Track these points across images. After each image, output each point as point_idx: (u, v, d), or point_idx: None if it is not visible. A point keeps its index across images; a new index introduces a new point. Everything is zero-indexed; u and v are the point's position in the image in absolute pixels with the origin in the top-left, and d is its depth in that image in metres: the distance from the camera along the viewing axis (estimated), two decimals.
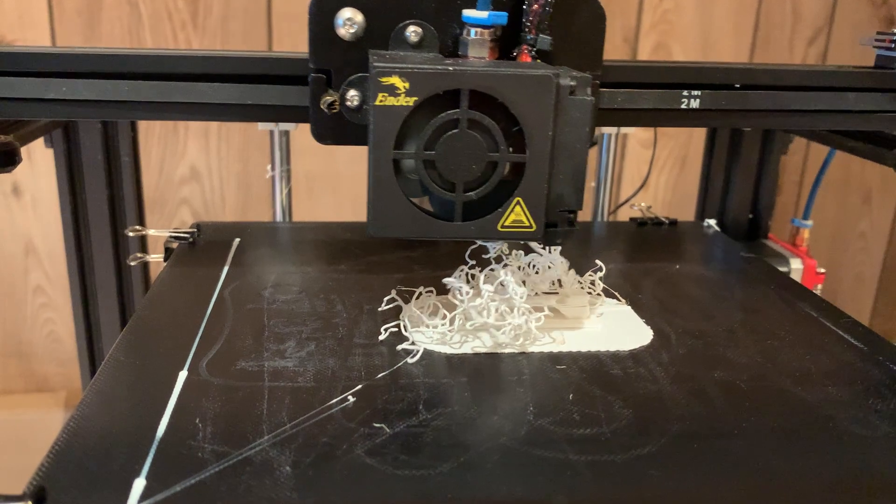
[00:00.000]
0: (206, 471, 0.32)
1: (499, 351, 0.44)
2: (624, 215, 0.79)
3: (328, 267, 0.56)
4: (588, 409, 0.38)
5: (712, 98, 0.47)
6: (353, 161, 0.96)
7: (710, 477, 0.33)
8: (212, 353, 0.42)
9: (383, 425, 0.36)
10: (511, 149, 0.39)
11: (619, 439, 0.36)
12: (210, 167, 0.96)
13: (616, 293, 0.52)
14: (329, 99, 0.42)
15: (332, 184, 0.98)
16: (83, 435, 0.34)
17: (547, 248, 0.48)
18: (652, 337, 0.46)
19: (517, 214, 0.40)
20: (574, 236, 0.41)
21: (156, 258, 0.62)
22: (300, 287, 0.52)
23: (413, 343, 0.44)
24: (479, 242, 0.47)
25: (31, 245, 0.95)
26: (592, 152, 0.69)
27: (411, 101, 0.37)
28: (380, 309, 0.48)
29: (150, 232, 0.62)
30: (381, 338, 0.45)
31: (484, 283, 0.45)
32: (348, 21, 0.41)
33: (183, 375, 0.40)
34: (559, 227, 0.41)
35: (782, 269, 0.68)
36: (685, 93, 0.47)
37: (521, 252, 0.49)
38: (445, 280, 0.47)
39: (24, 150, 0.90)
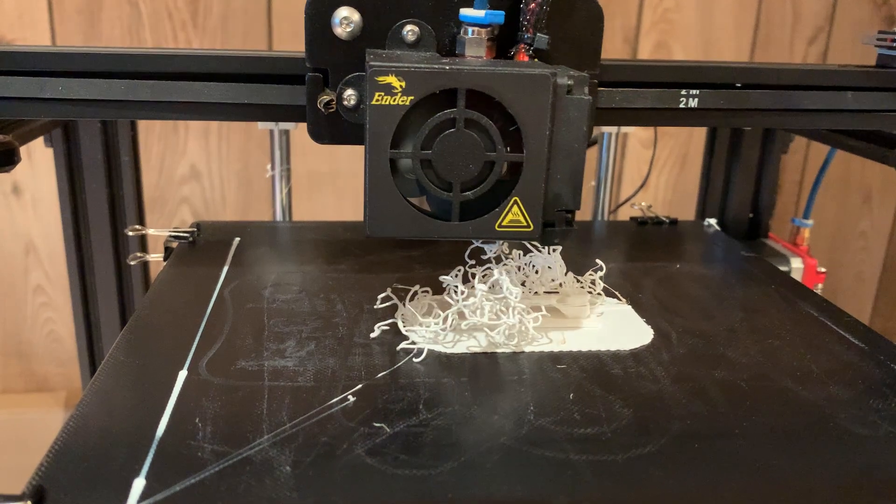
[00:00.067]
0: (206, 470, 0.32)
1: (496, 350, 0.44)
2: (624, 214, 0.79)
3: (328, 266, 0.56)
4: (588, 409, 0.38)
5: (711, 97, 0.47)
6: (353, 160, 0.96)
7: (711, 476, 0.33)
8: (212, 353, 0.42)
9: (383, 425, 0.36)
10: (508, 148, 0.39)
11: (620, 439, 0.36)
12: (210, 166, 0.96)
13: (616, 292, 0.52)
14: (326, 98, 0.42)
15: (333, 183, 0.98)
16: (83, 435, 0.34)
17: (546, 248, 0.48)
18: (652, 336, 0.46)
19: (514, 214, 0.39)
20: (572, 236, 0.41)
21: (156, 258, 0.62)
22: (300, 286, 0.52)
23: (413, 342, 0.44)
24: (477, 243, 0.47)
25: (31, 244, 0.95)
26: (592, 151, 0.69)
27: (408, 100, 0.37)
28: (376, 307, 0.48)
29: (150, 231, 0.62)
30: (373, 335, 0.45)
31: (479, 282, 0.45)
32: (345, 20, 0.40)
33: (183, 375, 0.40)
34: (557, 226, 0.41)
35: (783, 268, 0.68)
36: (684, 92, 0.47)
37: (521, 252, 0.49)
38: (442, 278, 0.47)
39: (23, 150, 0.90)
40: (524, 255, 0.49)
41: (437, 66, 0.37)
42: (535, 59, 0.41)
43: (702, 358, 0.44)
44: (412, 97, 0.37)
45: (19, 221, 0.94)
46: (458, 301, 0.44)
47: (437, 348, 0.44)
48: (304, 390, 0.39)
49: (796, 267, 0.69)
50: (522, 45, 0.41)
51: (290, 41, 0.92)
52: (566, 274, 0.49)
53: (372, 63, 0.37)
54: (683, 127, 0.78)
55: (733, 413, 0.38)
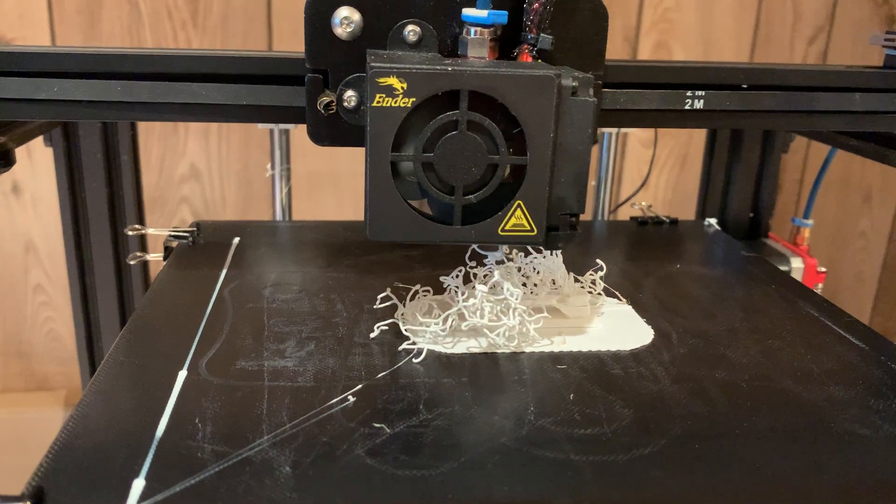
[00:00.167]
0: (206, 471, 0.32)
1: (497, 351, 0.44)
2: (624, 214, 0.79)
3: (328, 266, 0.56)
4: (589, 409, 0.38)
5: (717, 98, 0.46)
6: (354, 160, 0.96)
7: (712, 477, 0.33)
8: (211, 353, 0.42)
9: (383, 425, 0.36)
10: (511, 151, 0.38)
11: (621, 439, 0.36)
12: (210, 166, 0.96)
13: (617, 293, 0.52)
14: (326, 99, 0.41)
15: (334, 182, 0.98)
16: (82, 435, 0.34)
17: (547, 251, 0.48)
18: (653, 336, 0.46)
19: (518, 218, 0.39)
20: (576, 240, 0.40)
21: (155, 257, 0.62)
22: (300, 286, 0.52)
23: (414, 343, 0.44)
24: (477, 249, 0.47)
25: (30, 244, 0.95)
26: (592, 151, 0.68)
27: (409, 102, 0.36)
28: (376, 307, 0.48)
29: (150, 231, 0.62)
30: (373, 335, 0.45)
31: (480, 283, 0.45)
32: (345, 20, 0.40)
33: (182, 375, 0.40)
34: (561, 230, 0.40)
35: (783, 268, 0.68)
36: (689, 93, 0.46)
37: (521, 253, 0.49)
38: (443, 279, 0.47)
39: (23, 149, 0.90)
40: (525, 256, 0.49)
41: (439, 68, 0.36)
42: (539, 60, 0.41)
43: (702, 358, 0.44)
44: (414, 99, 0.36)
45: (19, 221, 0.94)
46: (458, 302, 0.44)
47: (438, 349, 0.44)
48: (303, 390, 0.39)
49: (796, 267, 0.69)
50: (526, 46, 0.40)
51: (291, 41, 0.92)
52: (567, 274, 0.49)
53: (373, 64, 0.36)
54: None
55: (734, 413, 0.38)
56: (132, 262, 0.64)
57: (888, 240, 1.16)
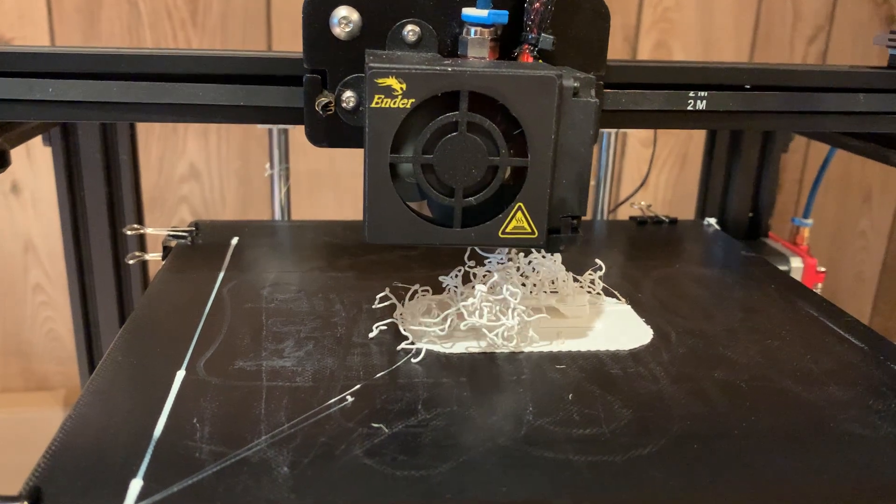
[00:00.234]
0: (204, 471, 0.32)
1: (496, 351, 0.44)
2: (624, 214, 0.79)
3: (327, 266, 0.56)
4: (588, 409, 0.38)
5: (720, 99, 0.46)
6: (354, 159, 0.96)
7: (711, 477, 0.33)
8: (210, 353, 0.42)
9: (382, 425, 0.36)
10: (512, 152, 0.38)
11: (619, 439, 0.36)
12: (210, 165, 0.96)
13: (616, 292, 0.52)
14: (324, 100, 0.41)
15: (334, 181, 0.98)
16: (80, 435, 0.34)
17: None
18: (652, 336, 0.46)
19: (518, 220, 0.39)
20: (577, 242, 0.40)
21: (154, 257, 0.62)
22: (299, 286, 0.52)
23: (412, 342, 0.44)
24: (479, 251, 0.47)
25: (30, 243, 0.95)
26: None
27: (408, 102, 0.36)
28: (374, 307, 0.48)
29: (149, 231, 0.62)
30: (372, 335, 0.45)
31: (479, 283, 0.45)
32: (344, 20, 0.39)
33: (181, 375, 0.39)
34: (562, 232, 0.40)
35: (782, 267, 0.68)
36: (692, 94, 0.46)
37: (521, 254, 0.49)
38: (442, 279, 0.47)
39: (22, 148, 0.90)
40: (524, 256, 0.49)
41: (438, 68, 0.36)
42: (540, 60, 0.40)
43: (701, 358, 0.44)
44: (413, 100, 0.36)
45: (18, 220, 0.94)
46: (457, 302, 0.44)
47: (436, 349, 0.43)
48: (302, 390, 0.39)
49: (796, 266, 0.69)
50: (526, 46, 0.40)
51: (290, 40, 0.92)
52: (566, 274, 0.49)
53: (371, 64, 0.36)
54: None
55: (733, 413, 0.38)
56: (131, 262, 0.64)
57: (888, 239, 1.16)
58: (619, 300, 0.51)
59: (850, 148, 0.61)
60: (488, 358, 0.43)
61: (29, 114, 0.43)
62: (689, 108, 0.46)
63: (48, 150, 0.65)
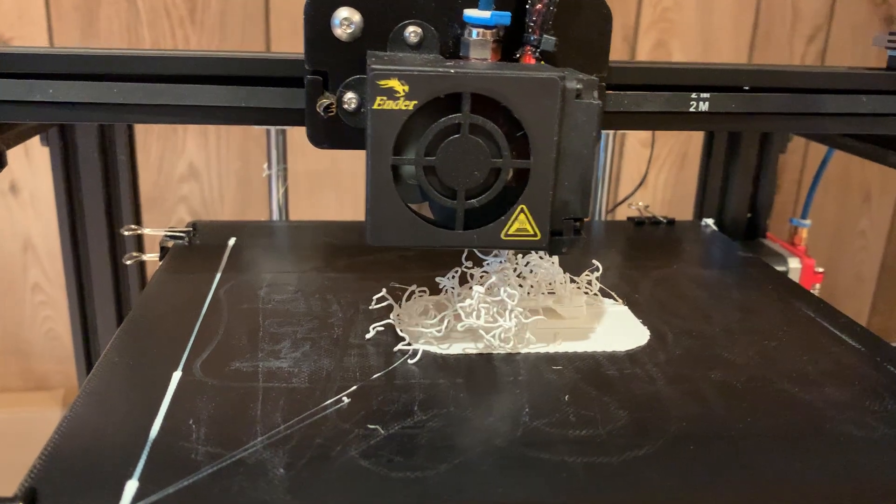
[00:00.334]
0: (200, 472, 0.32)
1: (493, 352, 0.44)
2: (623, 214, 0.79)
3: (324, 266, 0.56)
4: (584, 411, 0.38)
5: (722, 101, 0.46)
6: (354, 159, 0.96)
7: (707, 478, 0.33)
8: (206, 354, 0.42)
9: (378, 427, 0.36)
10: (514, 154, 0.37)
11: (615, 440, 0.36)
12: (209, 165, 0.96)
13: (613, 293, 0.52)
14: (325, 102, 0.40)
15: (334, 181, 0.98)
16: (75, 436, 0.34)
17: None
18: (649, 337, 0.46)
19: (521, 222, 0.38)
20: (580, 244, 0.40)
21: (151, 257, 0.62)
22: (296, 287, 0.52)
23: (409, 343, 0.44)
24: (478, 253, 0.47)
25: (29, 243, 0.95)
26: None
27: (411, 104, 0.36)
28: (371, 308, 0.48)
29: (146, 231, 0.62)
30: (368, 336, 0.45)
31: (476, 284, 0.45)
32: (345, 21, 0.39)
33: (177, 376, 0.39)
34: (565, 235, 0.40)
35: (780, 268, 0.68)
36: (694, 95, 0.46)
37: (519, 255, 0.49)
38: (438, 279, 0.47)
39: (21, 148, 0.90)
40: (522, 257, 0.49)
41: (441, 70, 0.36)
42: (542, 62, 0.40)
43: (698, 359, 0.44)
44: (415, 101, 0.36)
45: (17, 220, 0.94)
46: (454, 303, 0.44)
47: (433, 349, 0.43)
48: (298, 391, 0.39)
49: (794, 267, 0.69)
50: (528, 47, 0.40)
51: (289, 38, 0.92)
52: (563, 275, 0.49)
53: (374, 66, 0.36)
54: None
55: (729, 415, 0.38)
56: (128, 262, 0.64)
57: (887, 239, 1.16)
58: (616, 301, 0.51)
59: (848, 148, 0.61)
60: (485, 359, 0.43)
61: (30, 115, 0.42)
62: (692, 109, 0.46)
63: (47, 150, 0.65)
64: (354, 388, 0.39)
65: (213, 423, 0.36)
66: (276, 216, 0.70)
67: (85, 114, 0.42)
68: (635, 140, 1.03)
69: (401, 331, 0.45)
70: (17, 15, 0.87)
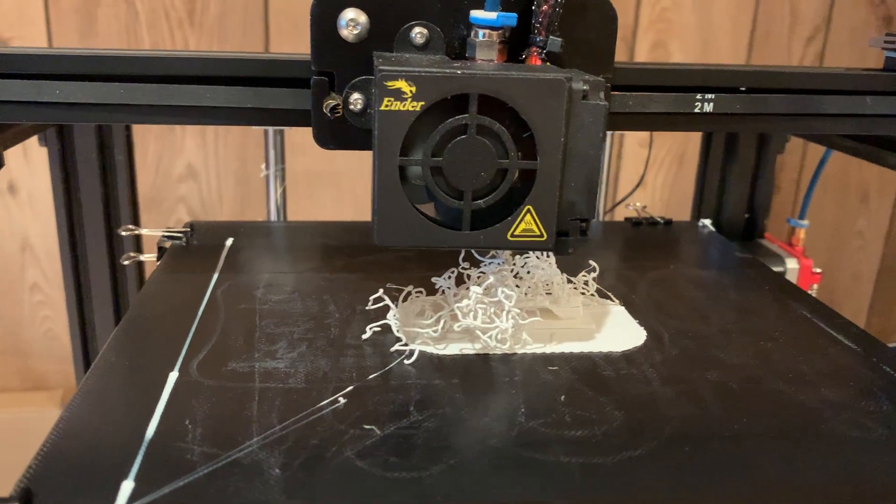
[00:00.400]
0: (195, 473, 0.32)
1: (489, 352, 0.44)
2: (621, 215, 0.79)
3: (321, 267, 0.56)
4: (580, 411, 0.38)
5: (727, 101, 0.46)
6: (353, 159, 0.96)
7: (702, 479, 0.33)
8: (203, 354, 0.42)
9: (374, 427, 0.36)
10: (521, 155, 0.37)
11: (611, 441, 0.36)
12: (207, 165, 0.96)
13: (610, 294, 0.52)
14: (332, 102, 0.40)
15: (333, 181, 0.98)
16: (71, 436, 0.34)
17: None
18: (645, 338, 0.46)
19: (527, 223, 0.38)
20: (586, 245, 0.40)
21: (149, 258, 0.62)
22: (293, 287, 0.52)
23: (406, 344, 0.44)
24: (475, 254, 0.47)
25: (27, 243, 0.95)
26: None
27: (418, 105, 0.36)
28: (367, 308, 0.48)
29: (144, 231, 0.62)
30: (365, 337, 0.45)
31: (473, 285, 0.45)
32: (352, 22, 0.39)
33: (173, 376, 0.39)
34: (571, 235, 0.40)
35: (778, 268, 0.68)
36: (699, 96, 0.46)
37: (516, 256, 0.49)
38: (435, 279, 0.47)
39: (19, 148, 0.90)
40: (519, 258, 0.49)
41: (448, 71, 0.36)
42: (548, 63, 0.40)
43: (694, 360, 0.44)
44: (423, 102, 0.36)
45: (16, 219, 0.94)
46: (451, 303, 0.44)
47: (430, 350, 0.43)
48: (294, 392, 0.39)
49: (791, 267, 0.69)
50: (534, 49, 0.40)
51: (288, 38, 0.92)
52: (560, 275, 0.49)
53: (381, 68, 0.35)
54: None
55: (725, 415, 0.38)
56: (125, 263, 0.64)
57: (886, 240, 1.16)
58: (613, 301, 0.51)
59: (845, 149, 0.61)
60: (481, 359, 0.43)
61: (29, 115, 0.42)
62: (696, 110, 0.46)
63: (45, 150, 0.65)
64: (351, 388, 0.39)
65: (209, 423, 0.36)
66: (273, 216, 0.70)
67: (94, 115, 0.42)
68: (634, 141, 1.03)
69: (397, 331, 0.45)
70: (17, 15, 0.87)
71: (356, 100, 0.40)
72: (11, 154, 0.91)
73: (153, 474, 0.32)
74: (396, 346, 0.44)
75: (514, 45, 0.40)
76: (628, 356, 0.44)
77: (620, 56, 1.00)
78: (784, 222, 0.76)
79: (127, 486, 0.31)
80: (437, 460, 0.34)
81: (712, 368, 0.43)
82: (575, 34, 0.41)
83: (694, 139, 1.03)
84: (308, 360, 0.42)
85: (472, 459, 0.34)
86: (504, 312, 0.44)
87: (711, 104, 0.46)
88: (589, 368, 0.42)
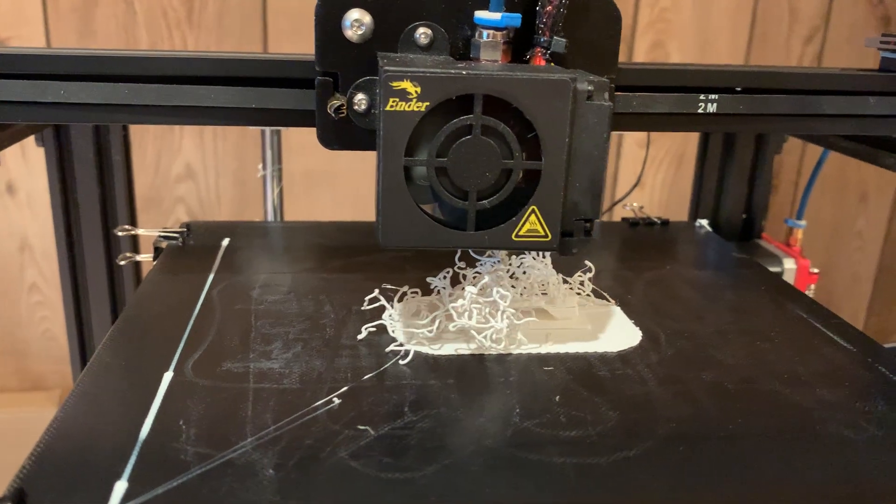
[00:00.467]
0: (189, 473, 0.32)
1: (485, 352, 0.44)
2: (619, 215, 0.79)
3: (318, 267, 0.56)
4: (574, 411, 0.38)
5: (730, 102, 0.46)
6: (351, 159, 0.96)
7: (697, 480, 0.33)
8: (197, 354, 0.42)
9: (368, 427, 0.36)
10: (525, 155, 0.37)
11: (606, 441, 0.36)
12: (206, 165, 0.96)
13: (605, 294, 0.52)
14: (336, 103, 0.40)
15: (332, 181, 0.98)
16: (65, 437, 0.34)
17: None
18: (641, 338, 0.46)
19: (532, 223, 0.38)
20: (590, 246, 0.40)
21: (146, 258, 0.62)
22: (289, 287, 0.52)
23: (401, 344, 0.44)
24: (472, 253, 0.46)
25: (25, 243, 0.95)
26: None
27: (423, 106, 0.36)
28: (363, 308, 0.48)
29: (140, 231, 0.62)
30: (360, 337, 0.45)
31: (469, 285, 0.45)
32: (356, 23, 0.39)
33: (168, 376, 0.39)
34: (575, 236, 0.40)
35: (775, 269, 0.68)
36: (702, 97, 0.46)
37: (512, 256, 0.49)
38: (429, 279, 0.47)
39: (17, 148, 0.90)
40: (515, 258, 0.49)
41: (453, 72, 0.36)
42: (552, 64, 0.40)
43: (690, 360, 0.44)
44: (428, 103, 0.36)
45: (14, 220, 0.94)
46: (446, 303, 0.44)
47: (425, 350, 0.43)
48: (289, 392, 0.39)
49: (789, 268, 0.69)
50: (539, 49, 0.40)
51: (286, 38, 0.92)
52: (555, 275, 0.49)
53: (386, 68, 0.35)
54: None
55: (720, 416, 0.38)
56: (122, 263, 0.64)
57: (884, 240, 1.16)
58: (609, 302, 0.51)
59: (841, 149, 0.61)
60: (476, 359, 0.43)
61: (35, 115, 0.42)
62: (700, 111, 0.46)
63: (42, 150, 0.65)
64: (345, 388, 0.39)
65: (203, 423, 0.36)
66: (270, 217, 0.70)
67: (98, 115, 0.42)
68: (633, 141, 1.03)
69: (393, 332, 0.45)
70: (15, 15, 0.87)
71: (360, 100, 0.40)
72: (10, 154, 0.91)
73: (147, 475, 0.32)
74: (392, 347, 0.44)
75: (518, 45, 0.41)
76: (624, 356, 0.44)
77: (619, 56, 1.00)
78: (783, 223, 0.76)
79: (120, 487, 0.31)
80: (431, 461, 0.34)
81: (708, 369, 0.43)
82: (579, 35, 0.41)
83: (693, 139, 1.03)
84: (303, 360, 0.42)
85: (467, 460, 0.34)
86: (499, 312, 0.44)
87: (715, 104, 0.46)
88: (584, 369, 0.42)
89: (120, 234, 0.63)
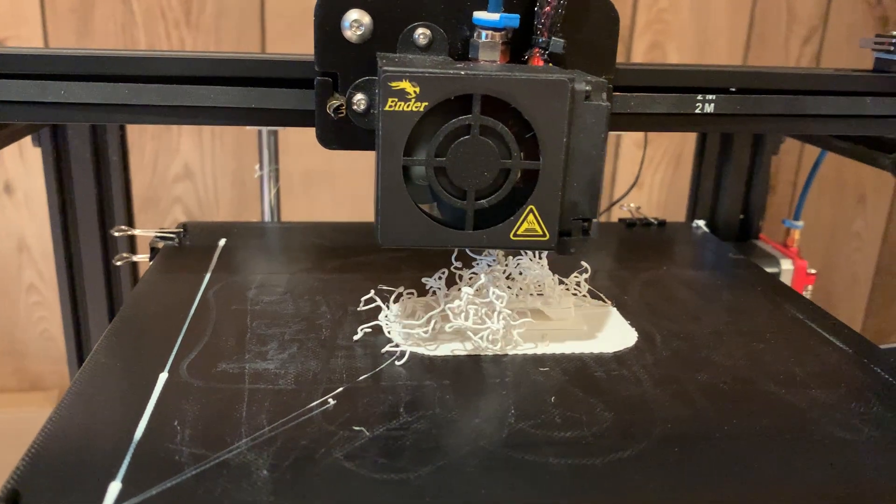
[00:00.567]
0: (183, 474, 0.32)
1: (480, 353, 0.44)
2: (617, 215, 0.79)
3: (314, 267, 0.56)
4: (570, 412, 0.38)
5: (727, 102, 0.46)
6: (350, 158, 0.96)
7: (693, 480, 0.33)
8: (193, 355, 0.42)
9: (363, 428, 0.36)
10: (524, 155, 0.38)
11: (601, 442, 0.36)
12: (204, 165, 0.96)
13: (601, 294, 0.52)
14: (335, 103, 0.40)
15: (330, 181, 0.98)
16: (60, 437, 0.34)
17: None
18: (636, 339, 0.46)
19: (530, 223, 0.39)
20: (588, 245, 0.40)
21: (142, 258, 0.62)
22: (285, 288, 0.52)
23: (397, 345, 0.44)
24: (469, 252, 0.47)
25: (23, 243, 0.95)
26: None
27: (422, 106, 0.36)
28: (359, 309, 0.48)
29: (137, 232, 0.62)
30: (356, 338, 0.45)
31: (465, 286, 0.45)
32: (355, 23, 0.39)
33: (163, 377, 0.39)
34: (573, 235, 0.40)
35: (772, 269, 0.68)
36: (699, 97, 0.46)
37: (509, 256, 0.49)
38: (425, 280, 0.47)
39: (15, 148, 0.90)
40: (512, 258, 0.49)
41: (452, 72, 0.36)
42: (550, 64, 0.40)
43: (685, 361, 0.44)
44: (426, 103, 0.36)
45: (12, 220, 0.94)
46: (443, 304, 0.44)
47: (421, 351, 0.43)
48: (284, 393, 0.39)
49: (786, 268, 0.69)
50: (537, 49, 0.40)
51: (284, 39, 0.92)
52: (551, 276, 0.49)
53: (385, 69, 0.36)
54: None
55: (716, 416, 0.38)
56: (118, 263, 0.64)
57: (882, 241, 1.16)
58: (605, 302, 0.51)
59: (837, 150, 0.61)
60: (471, 360, 0.43)
61: (34, 115, 0.42)
62: (697, 111, 0.46)
63: (40, 150, 0.65)
64: (340, 389, 0.39)
65: (197, 424, 0.36)
66: (267, 217, 0.70)
67: (99, 115, 0.42)
68: (630, 141, 1.03)
69: (389, 332, 0.45)
70: (12, 15, 0.87)
71: (360, 100, 0.40)
72: (8, 154, 0.91)
73: (141, 475, 0.32)
74: (387, 347, 0.43)
75: (517, 46, 0.41)
76: (619, 357, 0.44)
77: (617, 57, 1.00)
78: (781, 223, 0.76)
79: (114, 488, 0.31)
80: (426, 462, 0.34)
81: (703, 369, 0.43)
82: (577, 35, 0.41)
83: (691, 140, 1.03)
84: (299, 361, 0.42)
85: (462, 461, 0.34)
86: (495, 313, 0.44)
87: (712, 105, 0.46)
88: (580, 369, 0.42)
89: (116, 234, 0.63)
